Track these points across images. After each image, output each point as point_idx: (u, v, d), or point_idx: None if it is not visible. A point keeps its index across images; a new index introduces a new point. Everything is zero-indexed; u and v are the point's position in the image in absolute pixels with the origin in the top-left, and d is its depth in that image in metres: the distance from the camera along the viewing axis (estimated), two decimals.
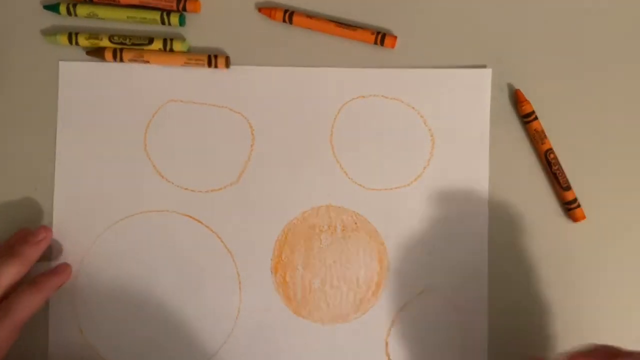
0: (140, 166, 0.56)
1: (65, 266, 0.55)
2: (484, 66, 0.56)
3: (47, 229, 0.55)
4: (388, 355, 0.54)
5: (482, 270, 0.54)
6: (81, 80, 0.56)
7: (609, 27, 0.57)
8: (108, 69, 0.56)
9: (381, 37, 0.55)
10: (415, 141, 0.56)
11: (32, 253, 0.53)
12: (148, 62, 0.56)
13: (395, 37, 0.55)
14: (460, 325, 0.54)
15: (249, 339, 0.54)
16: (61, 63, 0.56)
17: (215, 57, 0.55)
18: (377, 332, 0.55)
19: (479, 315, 0.54)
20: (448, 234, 0.55)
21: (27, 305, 0.51)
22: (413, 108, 0.56)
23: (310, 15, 0.56)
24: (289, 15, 0.55)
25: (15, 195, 0.56)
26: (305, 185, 0.55)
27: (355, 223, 0.55)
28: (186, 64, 0.55)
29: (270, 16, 0.56)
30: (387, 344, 0.54)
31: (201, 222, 0.55)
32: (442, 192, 0.55)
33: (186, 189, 0.55)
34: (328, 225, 0.54)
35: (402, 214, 0.55)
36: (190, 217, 0.55)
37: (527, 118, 0.55)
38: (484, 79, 0.56)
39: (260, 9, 0.56)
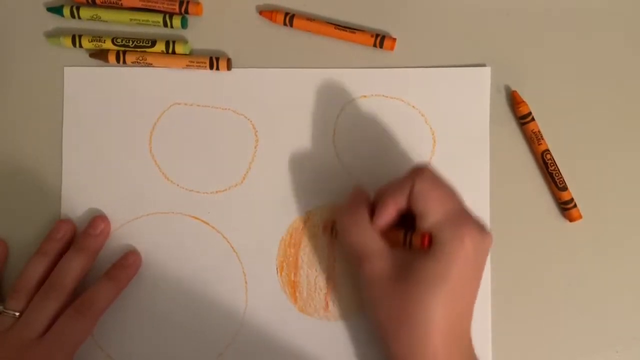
0: (145, 169, 0.56)
1: (136, 256, 0.55)
2: (483, 65, 0.56)
3: (104, 218, 0.55)
4: None
5: None
6: (86, 85, 0.57)
7: (606, 28, 0.57)
8: (112, 73, 0.57)
9: (380, 39, 0.55)
10: (417, 140, 0.56)
11: (94, 245, 0.54)
12: (151, 64, 0.56)
13: (394, 40, 0.56)
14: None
15: (255, 337, 0.54)
16: (66, 69, 0.57)
17: (217, 59, 0.56)
18: None
19: (481, 312, 0.54)
20: None
21: (106, 298, 0.52)
22: (414, 107, 0.56)
23: (310, 18, 0.56)
24: (290, 18, 0.56)
25: (22, 199, 0.56)
26: (309, 184, 0.56)
27: None
28: (188, 66, 0.56)
29: (271, 19, 0.56)
30: None
31: (207, 223, 0.55)
32: None
33: (191, 190, 0.56)
34: (332, 224, 0.55)
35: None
36: (196, 218, 0.55)
37: (524, 119, 0.55)
38: (484, 77, 0.56)
39: (262, 12, 0.57)
